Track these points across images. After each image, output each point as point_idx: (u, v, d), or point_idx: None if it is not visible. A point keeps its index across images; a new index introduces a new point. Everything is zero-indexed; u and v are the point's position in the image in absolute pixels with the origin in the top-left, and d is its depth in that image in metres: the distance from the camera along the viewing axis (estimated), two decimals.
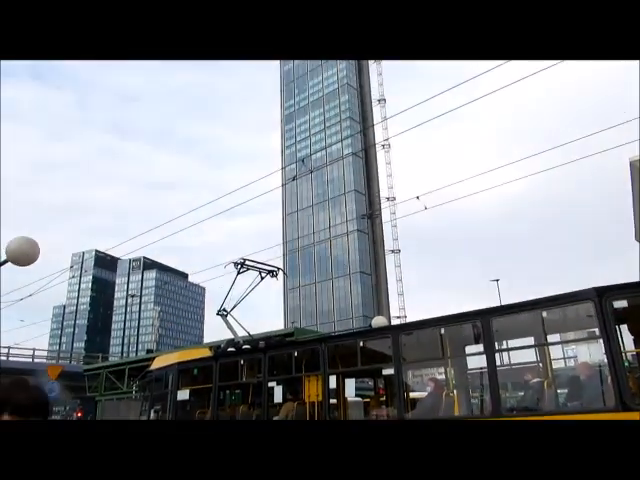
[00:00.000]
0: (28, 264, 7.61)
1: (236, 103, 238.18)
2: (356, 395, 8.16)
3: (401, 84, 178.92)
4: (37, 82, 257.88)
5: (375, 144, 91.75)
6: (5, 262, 7.58)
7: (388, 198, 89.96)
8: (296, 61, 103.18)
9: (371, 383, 9.74)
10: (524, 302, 5.64)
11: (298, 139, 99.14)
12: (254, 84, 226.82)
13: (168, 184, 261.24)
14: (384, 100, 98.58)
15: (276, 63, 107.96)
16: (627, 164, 13.66)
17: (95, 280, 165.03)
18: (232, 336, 9.92)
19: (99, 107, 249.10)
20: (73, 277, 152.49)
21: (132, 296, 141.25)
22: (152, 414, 9.34)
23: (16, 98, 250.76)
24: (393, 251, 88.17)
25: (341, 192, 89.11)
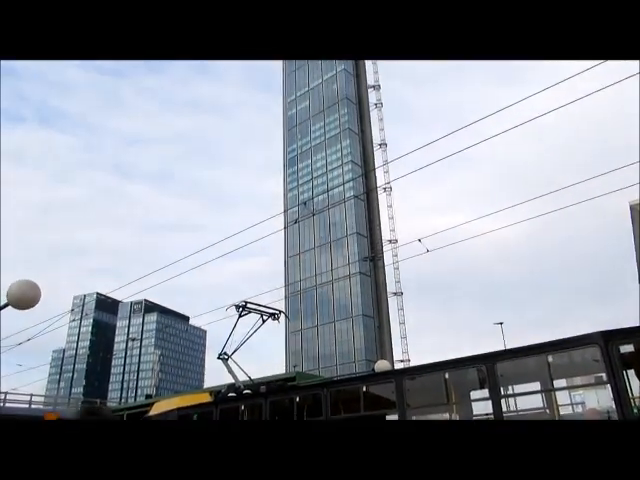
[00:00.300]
0: (29, 308, 7.52)
1: (238, 146, 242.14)
2: None
3: (401, 128, 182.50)
4: (44, 126, 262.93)
5: (377, 187, 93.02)
6: (5, 306, 7.49)
7: (390, 241, 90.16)
8: (299, 106, 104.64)
9: None
10: (529, 346, 5.55)
11: (300, 182, 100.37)
12: (256, 127, 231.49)
13: (170, 226, 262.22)
14: (385, 144, 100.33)
15: (279, 108, 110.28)
16: (627, 207, 13.90)
17: (95, 323, 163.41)
18: (233, 380, 9.84)
19: (103, 150, 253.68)
20: (74, 320, 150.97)
21: (132, 340, 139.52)
22: None
23: (23, 142, 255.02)
24: (395, 294, 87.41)
25: (343, 235, 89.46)
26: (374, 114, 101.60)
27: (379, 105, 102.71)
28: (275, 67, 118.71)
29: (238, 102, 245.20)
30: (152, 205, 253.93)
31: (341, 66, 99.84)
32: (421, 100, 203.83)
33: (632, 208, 14.13)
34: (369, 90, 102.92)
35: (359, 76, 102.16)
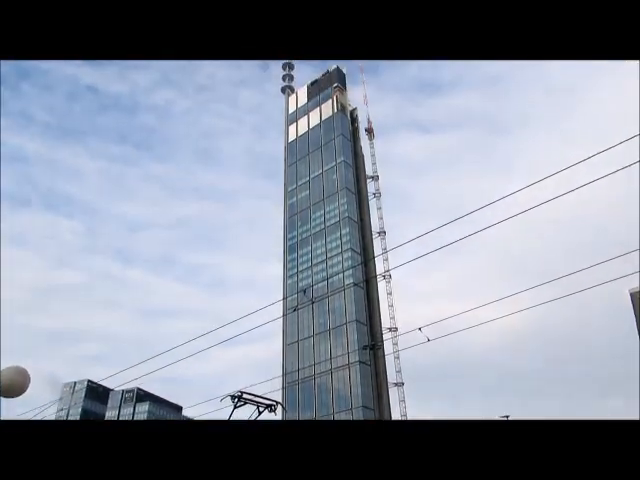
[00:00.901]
0: (18, 395, 7.12)
1: (239, 231, 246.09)
2: None
3: (400, 215, 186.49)
4: (50, 211, 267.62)
5: (376, 275, 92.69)
6: None
7: (390, 329, 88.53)
8: (300, 195, 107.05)
9: None
10: None
11: (300, 269, 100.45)
12: (257, 213, 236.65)
13: (168, 312, 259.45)
14: (384, 232, 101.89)
15: (281, 196, 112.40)
16: (627, 294, 14.24)
17: (85, 412, 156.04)
18: None
19: (106, 235, 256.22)
20: (62, 410, 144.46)
21: None
22: None
23: (27, 226, 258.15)
24: (396, 384, 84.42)
25: (342, 322, 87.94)
26: (373, 203, 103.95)
27: (377, 195, 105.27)
28: (278, 155, 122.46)
29: (240, 189, 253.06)
30: (151, 290, 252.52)
31: (341, 157, 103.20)
32: (419, 189, 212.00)
33: (632, 295, 14.12)
34: (368, 180, 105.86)
35: (358, 167, 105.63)
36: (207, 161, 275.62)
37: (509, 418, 38.37)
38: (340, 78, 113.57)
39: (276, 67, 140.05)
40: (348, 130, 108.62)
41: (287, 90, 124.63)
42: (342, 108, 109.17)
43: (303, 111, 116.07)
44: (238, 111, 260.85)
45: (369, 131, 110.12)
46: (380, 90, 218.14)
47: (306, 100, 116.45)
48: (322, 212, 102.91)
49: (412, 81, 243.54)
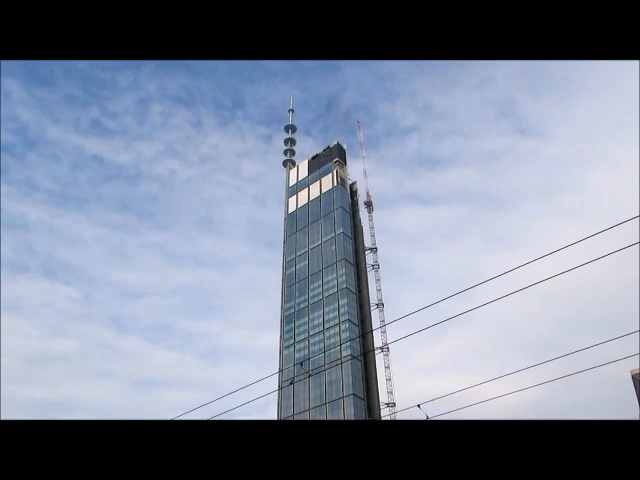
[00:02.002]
0: None
1: (236, 299, 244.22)
2: None
3: (399, 286, 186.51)
4: (48, 278, 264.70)
5: (374, 348, 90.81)
6: None
7: (388, 404, 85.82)
8: (299, 265, 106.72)
9: None
10: None
11: (297, 339, 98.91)
12: (255, 282, 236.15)
13: (161, 382, 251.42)
14: (382, 304, 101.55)
15: (279, 265, 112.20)
16: (628, 375, 14.57)
17: None
18: None
19: (102, 302, 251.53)
20: None
21: None
22: None
23: (24, 292, 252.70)
24: None
25: (339, 396, 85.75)
26: (371, 274, 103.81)
27: (376, 266, 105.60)
28: (278, 225, 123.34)
29: (240, 257, 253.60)
30: (146, 359, 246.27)
31: (340, 229, 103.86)
32: (418, 260, 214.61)
33: (634, 377, 13.52)
34: (367, 252, 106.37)
35: (357, 239, 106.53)
36: (208, 229, 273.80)
37: None
38: (340, 153, 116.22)
39: (278, 139, 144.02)
40: (347, 203, 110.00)
41: (289, 164, 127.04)
42: (342, 181, 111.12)
43: (304, 184, 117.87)
44: (240, 181, 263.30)
45: (368, 204, 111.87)
46: (380, 163, 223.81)
47: (307, 173, 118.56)
48: (320, 282, 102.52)
49: (412, 155, 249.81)
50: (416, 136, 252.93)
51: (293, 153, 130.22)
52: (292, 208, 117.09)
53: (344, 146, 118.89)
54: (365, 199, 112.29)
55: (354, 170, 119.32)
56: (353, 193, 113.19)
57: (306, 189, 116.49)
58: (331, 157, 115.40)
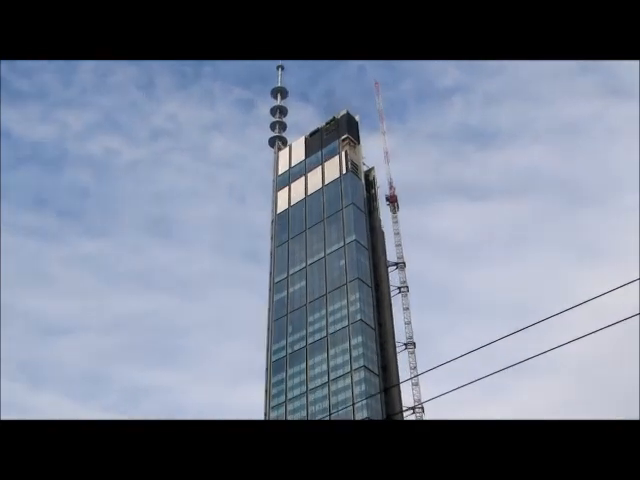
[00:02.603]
0: None
1: (202, 338, 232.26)
2: None
3: (437, 318, 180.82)
4: None
5: (402, 409, 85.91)
6: None
7: None
8: (292, 287, 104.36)
9: None
10: None
11: (289, 396, 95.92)
12: (230, 311, 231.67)
13: None
14: (413, 344, 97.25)
15: (265, 288, 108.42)
16: None
17: None
18: None
19: (9, 341, 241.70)
20: None
21: None
22: None
23: None
24: None
25: None
26: (397, 300, 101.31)
27: (404, 289, 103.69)
28: (262, 231, 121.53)
29: (207, 275, 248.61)
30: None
31: (352, 236, 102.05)
32: (463, 280, 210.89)
33: None
34: (390, 268, 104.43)
35: (376, 250, 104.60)
36: (162, 236, 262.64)
37: None
38: (351, 126, 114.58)
39: (263, 107, 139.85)
40: (362, 198, 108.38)
41: (277, 142, 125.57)
42: (353, 167, 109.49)
43: (299, 171, 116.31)
44: (208, 166, 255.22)
45: (391, 200, 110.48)
46: (408, 141, 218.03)
47: (303, 156, 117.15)
48: (324, 313, 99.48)
49: (454, 128, 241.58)
50: (460, 100, 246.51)
51: (284, 127, 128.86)
52: (282, 206, 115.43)
53: (356, 117, 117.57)
54: (387, 192, 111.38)
55: (371, 151, 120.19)
56: (370, 184, 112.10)
57: (302, 178, 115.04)
58: (338, 133, 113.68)
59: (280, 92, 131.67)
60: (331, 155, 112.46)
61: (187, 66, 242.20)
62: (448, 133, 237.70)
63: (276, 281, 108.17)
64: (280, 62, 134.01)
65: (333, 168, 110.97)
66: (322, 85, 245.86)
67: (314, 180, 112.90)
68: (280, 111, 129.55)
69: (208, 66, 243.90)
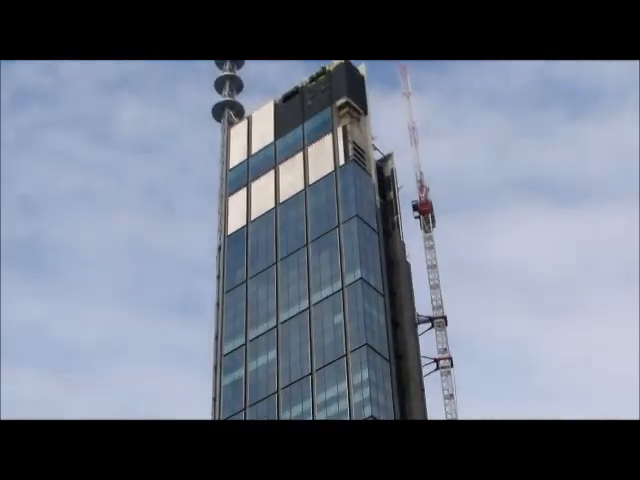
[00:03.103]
0: None
1: None
2: None
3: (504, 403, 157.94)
4: None
5: None
6: None
7: None
8: (253, 362, 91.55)
9: None
10: None
11: None
12: (147, 400, 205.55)
13: None
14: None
15: (205, 365, 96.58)
16: None
17: None
18: None
19: None
20: None
21: None
22: None
23: None
24: None
25: None
26: (434, 380, 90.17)
27: (445, 368, 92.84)
28: (200, 262, 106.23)
29: (109, 340, 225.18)
30: None
31: (356, 270, 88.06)
32: (546, 341, 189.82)
33: None
34: (420, 326, 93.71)
35: (396, 295, 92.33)
36: (28, 270, 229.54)
37: None
38: (352, 84, 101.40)
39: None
40: (373, 207, 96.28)
41: (226, 112, 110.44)
42: (358, 154, 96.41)
43: (264, 161, 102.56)
44: (110, 151, 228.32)
45: (423, 210, 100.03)
46: (451, 108, 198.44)
47: (272, 136, 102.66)
48: (308, 406, 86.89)
49: (531, 84, 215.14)
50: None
51: (238, 86, 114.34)
52: (237, 221, 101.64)
53: (361, 68, 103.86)
54: (415, 197, 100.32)
55: (387, 125, 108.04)
56: (386, 182, 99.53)
57: (271, 174, 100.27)
58: (331, 95, 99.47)
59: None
60: (320, 133, 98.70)
61: None
62: (520, 93, 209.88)
63: (226, 352, 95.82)
64: None
65: (323, 155, 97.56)
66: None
67: (291, 177, 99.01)
68: (232, 62, 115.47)
69: None
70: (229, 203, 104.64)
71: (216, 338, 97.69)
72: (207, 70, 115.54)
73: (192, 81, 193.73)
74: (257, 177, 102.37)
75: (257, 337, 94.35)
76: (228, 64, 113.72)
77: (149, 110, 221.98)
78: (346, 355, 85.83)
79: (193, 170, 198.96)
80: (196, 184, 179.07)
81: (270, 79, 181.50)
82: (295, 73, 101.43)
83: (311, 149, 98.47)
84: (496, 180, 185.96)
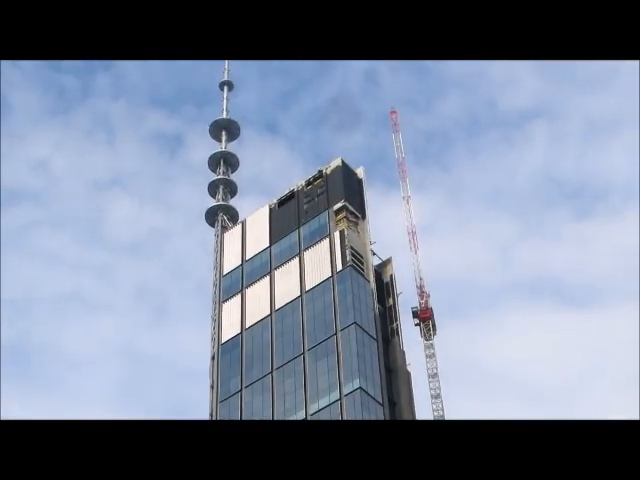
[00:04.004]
0: None
1: None
2: None
3: None
4: None
5: None
6: None
7: None
8: None
9: None
10: None
11: None
12: None
13: None
14: None
15: None
16: None
17: None
18: None
19: None
20: None
21: None
22: None
23: None
24: None
25: None
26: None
27: None
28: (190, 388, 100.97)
29: None
30: None
31: (354, 382, 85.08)
32: None
33: None
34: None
35: (397, 405, 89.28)
36: (18, 375, 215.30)
37: None
38: (350, 187, 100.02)
39: (197, 150, 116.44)
40: (372, 313, 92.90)
41: (220, 217, 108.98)
42: (356, 260, 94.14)
43: (259, 267, 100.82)
44: (100, 252, 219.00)
45: (423, 317, 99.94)
46: (453, 206, 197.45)
47: (267, 242, 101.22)
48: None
49: (534, 182, 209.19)
50: (544, 133, 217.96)
51: (232, 189, 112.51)
52: (231, 329, 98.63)
53: (359, 171, 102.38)
54: (415, 304, 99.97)
55: (386, 228, 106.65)
56: (385, 288, 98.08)
57: (266, 280, 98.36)
58: (328, 199, 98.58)
59: (226, 128, 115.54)
60: (316, 238, 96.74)
61: (70, 75, 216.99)
62: (524, 190, 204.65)
63: None
64: (224, 74, 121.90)
65: (320, 261, 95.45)
66: (300, 110, 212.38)
67: (287, 283, 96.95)
68: (226, 161, 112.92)
69: (104, 74, 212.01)
70: (223, 310, 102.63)
71: None
72: (201, 171, 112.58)
73: (186, 181, 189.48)
74: (252, 283, 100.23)
75: None
76: (222, 167, 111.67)
77: (141, 210, 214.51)
78: None
79: (186, 273, 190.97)
80: (189, 288, 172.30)
81: (265, 181, 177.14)
82: (291, 175, 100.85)
83: (307, 254, 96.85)
84: (500, 281, 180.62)
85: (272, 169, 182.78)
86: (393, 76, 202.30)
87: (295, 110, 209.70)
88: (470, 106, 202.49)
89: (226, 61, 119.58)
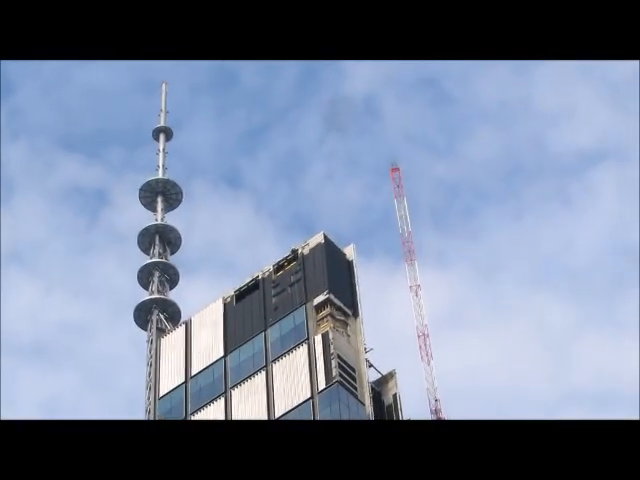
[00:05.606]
0: None
1: None
2: None
3: None
4: None
5: None
6: None
7: None
8: None
9: None
10: None
11: None
12: None
13: None
14: None
15: None
16: None
17: None
18: None
19: None
20: None
21: None
22: None
23: None
24: None
25: None
26: None
27: None
28: None
29: None
30: None
31: None
32: None
33: None
34: None
35: None
36: None
37: None
38: (336, 274, 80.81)
39: (123, 213, 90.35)
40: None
41: (155, 316, 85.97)
42: (345, 372, 76.01)
43: (209, 385, 79.91)
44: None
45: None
46: (486, 282, 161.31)
47: (221, 350, 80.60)
48: None
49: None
50: (611, 182, 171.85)
51: (170, 278, 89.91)
52: None
53: (348, 250, 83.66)
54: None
55: (384, 332, 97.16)
56: (384, 411, 79.06)
57: (219, 402, 78.69)
58: (306, 289, 79.23)
59: (162, 193, 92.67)
60: (290, 344, 77.15)
61: None
62: (585, 266, 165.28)
63: None
64: (162, 104, 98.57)
65: (295, 376, 76.28)
66: (272, 154, 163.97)
67: (249, 408, 76.62)
68: (162, 238, 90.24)
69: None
70: None
71: None
72: (131, 242, 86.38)
73: (111, 256, 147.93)
74: (200, 408, 77.33)
75: None
76: (157, 246, 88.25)
77: (48, 297, 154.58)
78: None
79: (109, 389, 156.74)
80: (114, 410, 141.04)
81: (219, 262, 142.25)
82: (256, 252, 78.80)
83: (277, 367, 75.94)
84: (554, 393, 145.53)
85: (230, 242, 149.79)
86: (401, 105, 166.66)
87: (264, 155, 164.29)
88: (508, 147, 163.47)
89: (162, 99, 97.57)
